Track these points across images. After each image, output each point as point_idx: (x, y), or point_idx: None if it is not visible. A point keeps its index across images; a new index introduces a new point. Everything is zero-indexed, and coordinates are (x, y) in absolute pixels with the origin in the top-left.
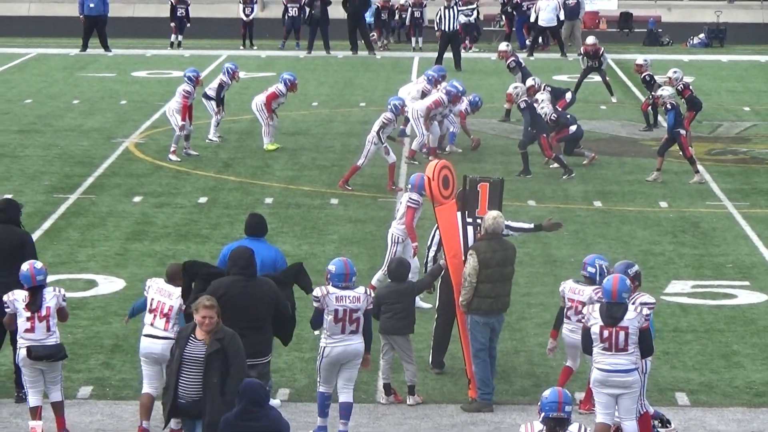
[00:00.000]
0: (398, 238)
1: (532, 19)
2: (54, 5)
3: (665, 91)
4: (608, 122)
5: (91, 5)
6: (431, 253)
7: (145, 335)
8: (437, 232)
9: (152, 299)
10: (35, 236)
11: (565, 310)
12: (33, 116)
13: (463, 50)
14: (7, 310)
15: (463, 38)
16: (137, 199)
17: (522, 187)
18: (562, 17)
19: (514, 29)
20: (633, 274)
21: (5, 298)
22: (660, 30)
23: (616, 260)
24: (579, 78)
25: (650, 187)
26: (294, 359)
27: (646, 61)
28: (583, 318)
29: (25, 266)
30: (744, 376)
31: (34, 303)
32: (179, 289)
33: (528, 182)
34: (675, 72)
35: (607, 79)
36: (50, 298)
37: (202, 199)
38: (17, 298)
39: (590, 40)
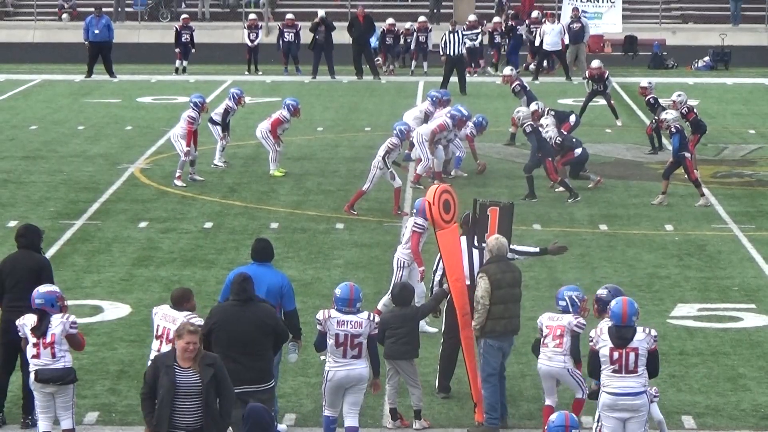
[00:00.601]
0: (404, 262)
1: (536, 43)
2: (59, 32)
3: (669, 115)
4: (613, 146)
5: (96, 31)
6: (437, 278)
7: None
8: (441, 262)
9: (158, 325)
10: None
11: (542, 338)
12: (38, 142)
13: (468, 75)
14: (20, 333)
15: (468, 63)
16: (143, 224)
17: (528, 211)
18: (567, 41)
19: (504, 53)
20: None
21: (18, 322)
22: (665, 53)
23: (621, 283)
24: (584, 101)
25: (656, 210)
26: (300, 384)
27: (650, 83)
28: (591, 342)
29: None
30: (750, 399)
31: (39, 329)
32: (185, 313)
33: (533, 206)
34: (679, 95)
35: (612, 102)
36: (56, 324)
37: (208, 224)
38: (26, 322)
39: (595, 63)
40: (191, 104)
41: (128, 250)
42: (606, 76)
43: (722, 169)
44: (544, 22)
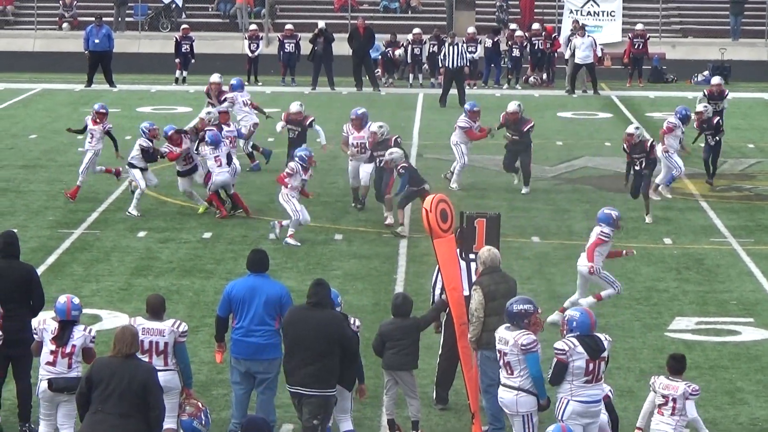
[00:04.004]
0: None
1: (567, 56)
2: (59, 41)
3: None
4: (612, 159)
5: (97, 41)
6: (437, 291)
7: None
8: (440, 275)
9: (141, 341)
10: (39, 271)
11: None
12: (38, 151)
13: (467, 87)
14: (35, 336)
15: (467, 75)
16: (141, 234)
17: (526, 224)
18: (599, 53)
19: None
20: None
21: (35, 324)
22: (665, 67)
23: (619, 297)
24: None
25: (654, 224)
26: None
27: (706, 107)
28: (560, 353)
29: (63, 299)
30: (748, 412)
31: (61, 338)
32: (169, 322)
33: (532, 218)
34: (705, 106)
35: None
36: (78, 336)
37: (207, 235)
38: (47, 328)
39: (716, 80)
40: (141, 131)
41: (127, 259)
42: (725, 94)
43: (721, 183)
44: (575, 35)
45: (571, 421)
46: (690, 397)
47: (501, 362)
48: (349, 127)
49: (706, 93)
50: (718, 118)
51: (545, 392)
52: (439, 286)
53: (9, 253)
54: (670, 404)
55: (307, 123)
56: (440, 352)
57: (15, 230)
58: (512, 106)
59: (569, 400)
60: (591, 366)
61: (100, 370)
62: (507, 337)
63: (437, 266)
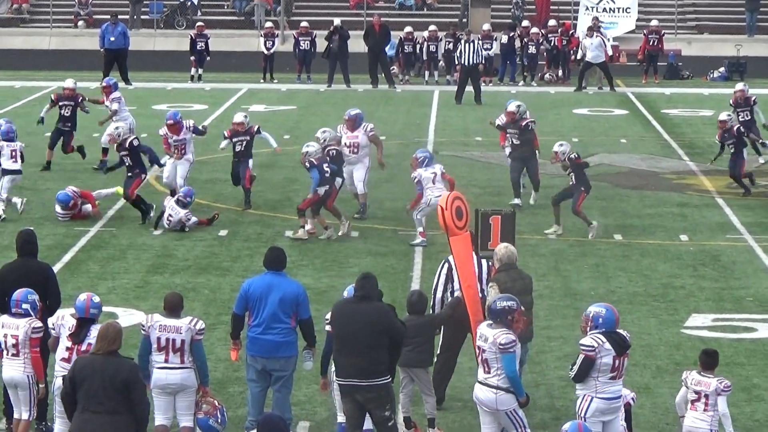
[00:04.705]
0: None
1: (578, 56)
2: (74, 39)
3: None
4: (628, 155)
5: (112, 39)
6: (439, 294)
7: (159, 368)
8: (442, 270)
9: (158, 338)
10: (56, 269)
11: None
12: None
13: (483, 84)
14: (52, 332)
15: (482, 72)
16: (157, 231)
17: (543, 221)
18: (609, 52)
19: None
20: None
21: (52, 320)
22: (680, 63)
23: (636, 293)
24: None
25: (670, 220)
26: (314, 392)
27: (730, 116)
28: (589, 350)
29: (83, 296)
30: (765, 409)
31: (78, 336)
32: (187, 319)
33: (548, 215)
34: (729, 115)
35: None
36: (94, 335)
37: (223, 232)
38: (64, 324)
39: (739, 85)
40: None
41: (143, 257)
42: (753, 100)
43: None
44: (585, 36)
45: (594, 419)
46: (722, 393)
47: (479, 359)
48: (342, 127)
49: (732, 102)
50: (738, 126)
51: (523, 390)
52: (440, 289)
53: (27, 252)
54: (703, 400)
55: (254, 131)
56: (438, 352)
57: (32, 228)
58: (511, 106)
59: (593, 397)
60: (617, 362)
61: (83, 368)
62: (487, 335)
63: (440, 267)
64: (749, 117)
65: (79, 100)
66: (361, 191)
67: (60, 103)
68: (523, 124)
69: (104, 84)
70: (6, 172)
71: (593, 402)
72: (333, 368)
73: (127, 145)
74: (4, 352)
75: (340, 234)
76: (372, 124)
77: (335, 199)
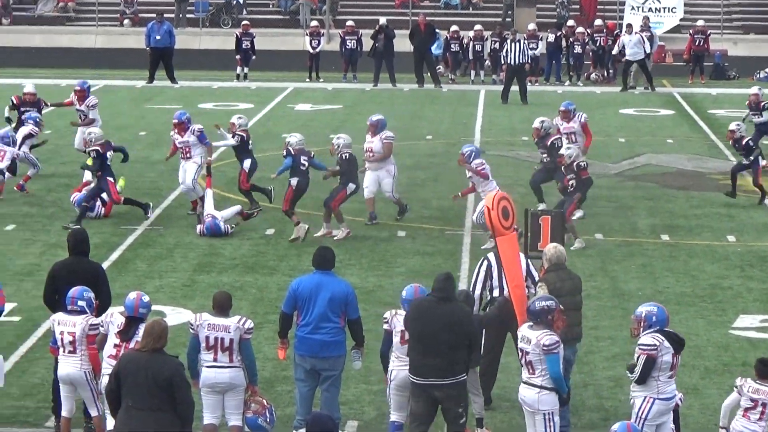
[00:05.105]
0: None
1: (615, 52)
2: (120, 37)
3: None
4: (675, 156)
5: (158, 37)
6: (477, 291)
7: (208, 366)
8: (481, 268)
9: (206, 337)
10: (104, 267)
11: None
12: None
13: (529, 83)
14: (101, 329)
15: (528, 72)
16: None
17: (591, 221)
18: (648, 50)
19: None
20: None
21: (102, 317)
22: (726, 64)
23: (683, 294)
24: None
25: (718, 221)
26: (362, 391)
27: (739, 126)
28: (651, 349)
29: (132, 295)
30: None
31: (127, 333)
32: (235, 318)
33: (596, 216)
34: (738, 125)
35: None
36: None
37: (270, 231)
38: (114, 321)
39: (753, 89)
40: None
41: (190, 255)
42: (763, 105)
43: None
44: (624, 33)
45: (652, 422)
46: None
47: (522, 361)
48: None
49: (747, 104)
50: (748, 138)
51: (566, 387)
52: (479, 287)
53: (79, 251)
54: (759, 408)
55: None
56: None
57: (84, 228)
58: (535, 122)
59: (655, 399)
60: (675, 360)
61: (127, 364)
62: (530, 336)
63: (478, 267)
64: (762, 119)
65: (41, 106)
66: (393, 199)
67: (22, 108)
68: (549, 142)
69: (78, 87)
70: None
71: (655, 404)
72: (391, 368)
73: (101, 150)
74: (60, 349)
75: (329, 236)
76: (391, 133)
77: (341, 202)
